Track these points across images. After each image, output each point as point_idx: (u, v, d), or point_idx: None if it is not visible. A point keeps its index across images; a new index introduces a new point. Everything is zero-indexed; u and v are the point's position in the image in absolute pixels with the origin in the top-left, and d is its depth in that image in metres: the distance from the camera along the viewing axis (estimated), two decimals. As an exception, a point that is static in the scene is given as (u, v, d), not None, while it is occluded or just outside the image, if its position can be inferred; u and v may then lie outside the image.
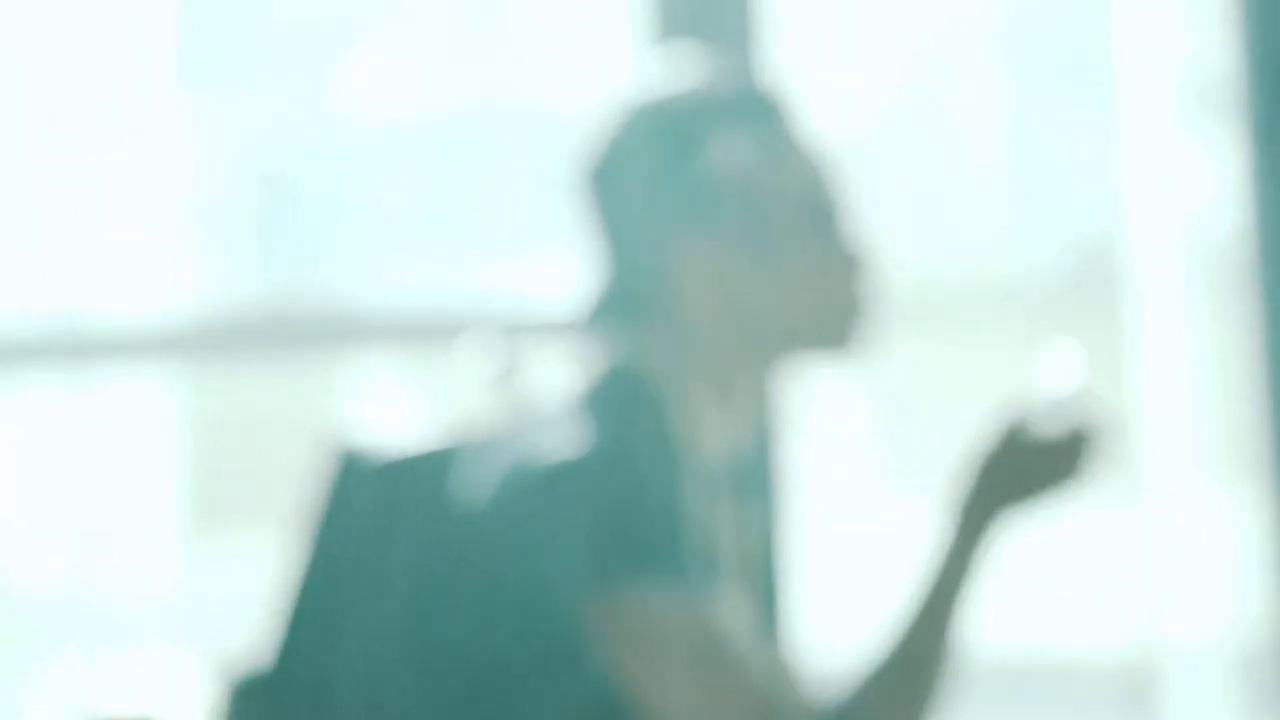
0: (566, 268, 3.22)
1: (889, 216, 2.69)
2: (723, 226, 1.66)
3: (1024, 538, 2.20)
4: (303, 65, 3.53)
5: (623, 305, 1.67)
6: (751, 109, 1.68)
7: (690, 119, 1.67)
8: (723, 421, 1.67)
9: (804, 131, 1.70)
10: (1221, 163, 2.15)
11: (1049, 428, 1.60)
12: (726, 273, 1.66)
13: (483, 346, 1.74)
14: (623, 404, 1.63)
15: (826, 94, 2.68)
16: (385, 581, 1.59)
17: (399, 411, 1.77)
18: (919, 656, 1.59)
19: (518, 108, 3.39)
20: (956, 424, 2.75)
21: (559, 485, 1.55)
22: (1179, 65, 2.39)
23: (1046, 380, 1.64)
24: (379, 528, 1.63)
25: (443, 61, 3.42)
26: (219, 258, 3.30)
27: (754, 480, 1.72)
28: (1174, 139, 2.43)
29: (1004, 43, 2.89)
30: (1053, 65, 2.89)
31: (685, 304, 1.66)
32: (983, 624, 2.66)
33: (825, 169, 1.69)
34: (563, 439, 1.58)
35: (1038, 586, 2.66)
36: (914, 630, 1.59)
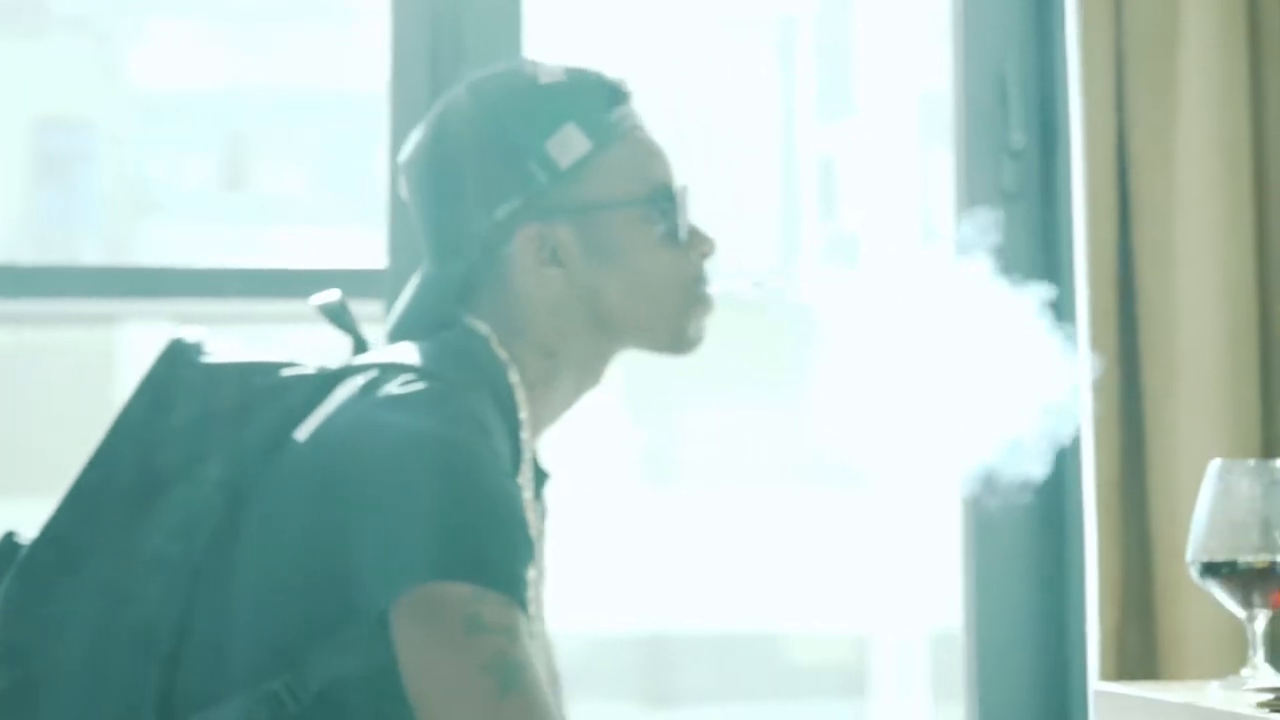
0: (352, 239, 3.30)
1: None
2: (559, 218, 1.61)
3: (755, 522, 2.30)
4: (96, 24, 3.53)
5: (454, 287, 1.63)
6: (593, 100, 1.64)
7: (534, 110, 1.62)
8: (544, 410, 1.64)
9: (644, 124, 1.67)
10: (943, 171, 2.31)
11: None
12: (562, 263, 1.62)
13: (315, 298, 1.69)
14: (472, 366, 1.59)
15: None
16: (189, 480, 1.53)
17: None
18: None
19: (303, 86, 3.43)
20: (711, 420, 2.87)
21: (399, 451, 1.48)
22: (913, 88, 2.56)
23: None
24: (197, 424, 1.55)
25: (238, 37, 3.45)
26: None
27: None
28: (909, 152, 2.59)
29: (768, 68, 3.02)
30: (809, 87, 3.03)
31: (517, 292, 1.63)
32: (705, 599, 2.78)
33: (665, 161, 1.66)
34: (407, 397, 1.52)
35: (762, 565, 2.76)
36: None
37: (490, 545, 1.46)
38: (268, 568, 1.51)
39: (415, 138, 1.69)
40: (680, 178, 1.67)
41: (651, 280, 1.64)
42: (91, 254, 3.50)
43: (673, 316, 1.65)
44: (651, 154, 1.67)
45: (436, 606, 1.44)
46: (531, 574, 1.52)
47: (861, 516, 2.75)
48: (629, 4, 2.78)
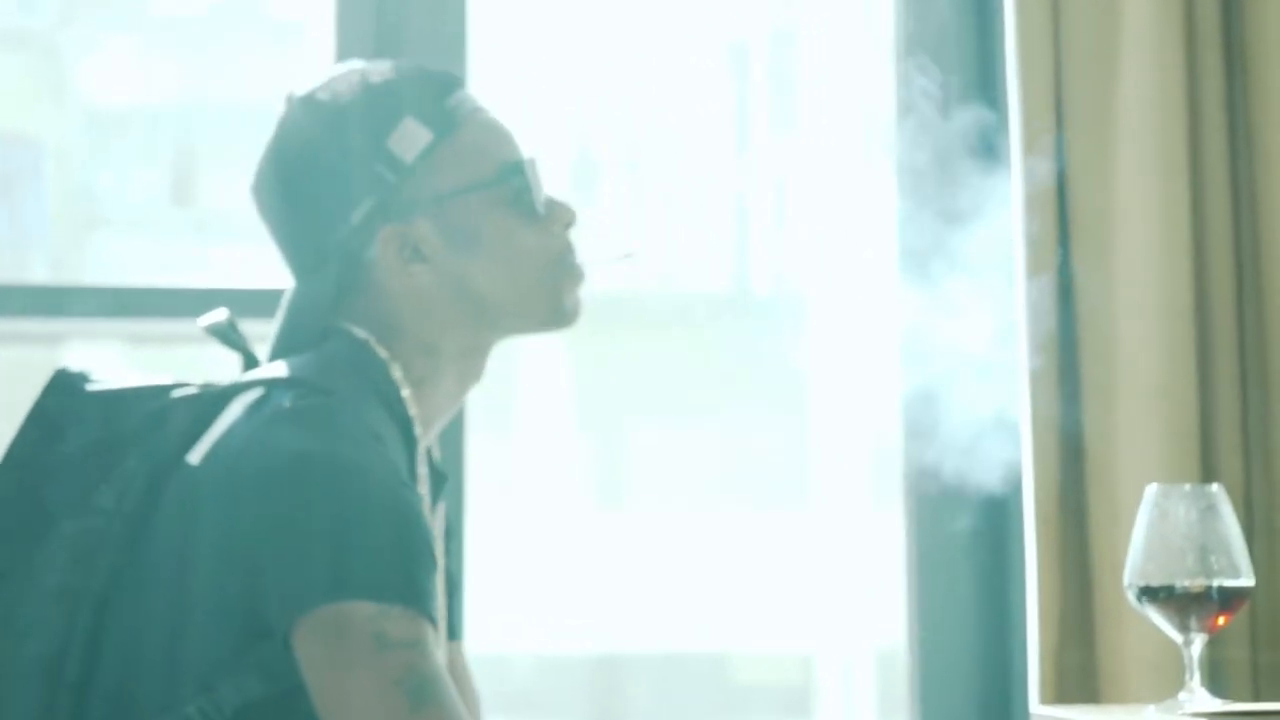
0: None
1: (619, 232, 2.79)
2: (415, 213, 1.60)
3: (701, 543, 2.29)
4: (42, 39, 3.51)
5: (325, 297, 1.62)
6: (426, 91, 1.63)
7: (369, 111, 1.61)
8: (430, 408, 1.63)
9: (484, 105, 1.66)
10: (882, 193, 2.32)
11: None
12: (425, 258, 1.60)
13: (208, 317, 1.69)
14: (356, 373, 1.58)
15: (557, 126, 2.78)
16: (83, 510, 1.52)
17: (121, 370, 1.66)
18: None
19: (251, 101, 3.42)
20: (658, 440, 2.87)
21: (294, 471, 1.47)
22: (858, 109, 2.58)
23: None
24: (87, 453, 1.54)
25: (186, 52, 3.44)
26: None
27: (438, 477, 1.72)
28: (848, 179, 2.61)
29: (719, 90, 3.03)
30: (761, 109, 3.05)
31: (387, 293, 1.61)
32: (652, 619, 2.78)
33: (510, 138, 1.65)
34: (296, 414, 1.51)
35: (709, 585, 2.76)
36: None
37: (390, 561, 1.46)
38: (173, 593, 1.50)
39: (259, 159, 1.68)
40: (528, 150, 1.66)
41: (517, 259, 1.63)
42: (39, 271, 3.48)
43: (544, 292, 1.63)
44: (495, 133, 1.65)
45: (340, 626, 1.44)
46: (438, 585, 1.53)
47: (806, 537, 2.75)
48: (573, 24, 2.79)
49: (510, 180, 1.64)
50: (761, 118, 3.12)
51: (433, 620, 1.47)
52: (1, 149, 3.45)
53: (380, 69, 1.67)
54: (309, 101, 1.66)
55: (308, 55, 3.25)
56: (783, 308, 2.86)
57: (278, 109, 1.68)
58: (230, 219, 3.64)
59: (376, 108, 1.63)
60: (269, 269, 3.33)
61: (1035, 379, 2.09)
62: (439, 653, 1.47)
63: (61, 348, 2.91)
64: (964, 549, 2.27)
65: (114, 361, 1.66)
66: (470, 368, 1.67)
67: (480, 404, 2.44)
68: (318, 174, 1.64)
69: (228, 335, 1.69)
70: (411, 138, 1.63)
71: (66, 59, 3.49)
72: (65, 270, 3.48)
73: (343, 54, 2.27)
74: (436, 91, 1.66)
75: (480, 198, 1.65)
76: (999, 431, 2.20)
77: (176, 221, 3.55)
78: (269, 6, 3.58)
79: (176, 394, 1.61)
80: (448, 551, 1.74)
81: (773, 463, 2.66)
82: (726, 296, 3.13)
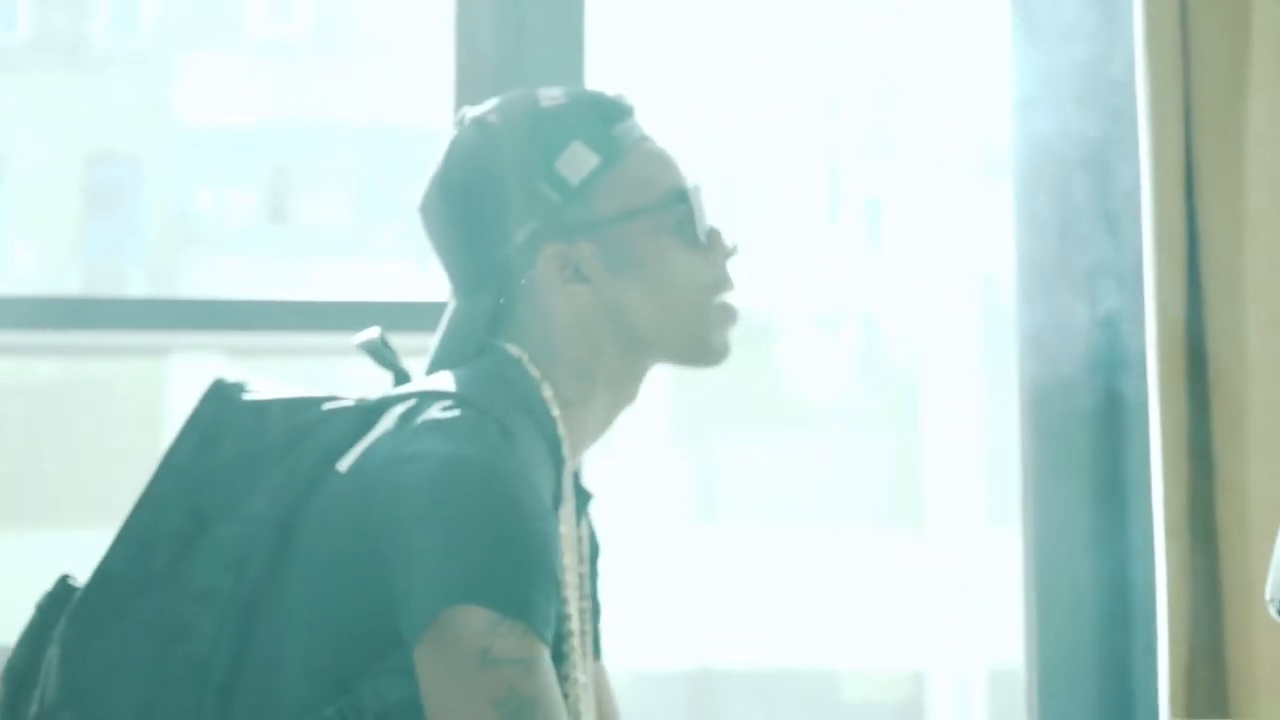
0: (397, 273, 3.32)
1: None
2: (579, 235, 1.62)
3: (808, 558, 2.28)
4: (143, 60, 3.55)
5: (485, 315, 1.63)
6: (597, 117, 1.65)
7: (539, 133, 1.63)
8: (580, 430, 1.64)
9: (650, 134, 1.67)
10: (995, 215, 2.32)
11: None
12: (586, 279, 1.62)
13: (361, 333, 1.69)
14: (507, 390, 1.59)
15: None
16: (236, 517, 1.54)
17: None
18: None
19: (347, 120, 3.45)
20: (764, 454, 2.87)
21: (434, 477, 1.49)
22: (963, 135, 2.57)
23: None
24: (241, 461, 1.57)
25: (283, 72, 3.47)
26: (44, 243, 3.33)
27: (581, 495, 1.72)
28: (960, 197, 2.61)
29: (828, 116, 3.03)
30: (867, 137, 3.05)
31: (546, 313, 1.63)
32: (757, 635, 2.77)
33: (675, 166, 1.66)
34: (444, 423, 1.52)
35: (816, 600, 2.75)
36: None
37: (513, 575, 1.47)
38: (316, 597, 1.52)
39: (428, 179, 1.69)
40: (693, 179, 1.67)
41: (673, 286, 1.64)
42: (138, 286, 3.51)
43: (696, 325, 1.64)
44: (661, 161, 1.67)
45: (453, 636, 1.44)
46: (570, 610, 1.53)
47: (918, 552, 2.75)
48: (685, 53, 2.80)
49: (674, 207, 1.66)
50: (859, 130, 3.13)
51: (544, 640, 1.47)
52: (101, 167, 3.49)
53: (553, 94, 1.69)
54: (480, 123, 1.69)
55: (402, 73, 3.27)
56: (884, 322, 2.86)
57: (452, 129, 1.69)
58: (325, 236, 3.67)
59: (546, 130, 1.65)
60: (363, 284, 3.35)
61: (1164, 393, 2.07)
62: (550, 672, 1.47)
63: (164, 361, 2.94)
64: (1084, 564, 2.26)
65: (263, 374, 1.67)
66: (622, 393, 1.68)
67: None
68: (485, 195, 1.66)
69: (380, 353, 1.70)
70: (579, 161, 1.64)
71: (165, 78, 3.52)
72: (163, 286, 3.51)
73: (461, 80, 2.29)
74: (606, 118, 1.68)
75: (643, 223, 1.66)
76: (1125, 446, 2.19)
77: (272, 237, 3.59)
78: (363, 28, 3.61)
79: (328, 406, 1.63)
80: (593, 573, 1.74)
81: (885, 478, 2.66)
82: (821, 312, 3.13)
